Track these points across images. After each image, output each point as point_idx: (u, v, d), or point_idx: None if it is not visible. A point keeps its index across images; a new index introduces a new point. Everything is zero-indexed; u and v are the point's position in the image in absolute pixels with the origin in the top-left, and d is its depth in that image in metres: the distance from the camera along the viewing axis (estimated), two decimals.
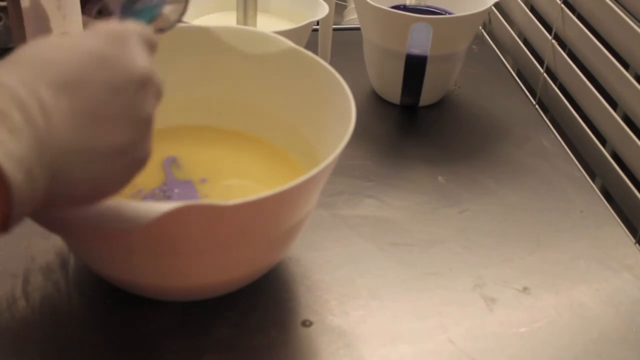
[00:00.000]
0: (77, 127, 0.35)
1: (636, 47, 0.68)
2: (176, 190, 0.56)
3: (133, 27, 0.40)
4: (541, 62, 0.86)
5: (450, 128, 0.77)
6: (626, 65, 0.71)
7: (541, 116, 0.80)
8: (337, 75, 0.54)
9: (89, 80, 0.36)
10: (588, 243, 0.62)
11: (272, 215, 0.45)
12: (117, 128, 0.36)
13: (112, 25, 0.39)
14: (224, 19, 0.76)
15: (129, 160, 0.37)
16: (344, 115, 0.51)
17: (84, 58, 0.36)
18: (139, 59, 0.38)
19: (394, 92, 0.78)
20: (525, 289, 0.57)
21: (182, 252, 0.45)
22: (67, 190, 0.35)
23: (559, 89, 0.83)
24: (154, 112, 0.39)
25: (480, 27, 0.98)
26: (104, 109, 0.36)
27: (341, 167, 0.54)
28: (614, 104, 0.72)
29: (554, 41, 0.83)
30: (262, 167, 0.59)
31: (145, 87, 0.38)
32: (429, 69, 0.75)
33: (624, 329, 0.54)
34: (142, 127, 0.38)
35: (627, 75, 0.69)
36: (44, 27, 0.61)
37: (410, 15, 0.72)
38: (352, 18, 1.20)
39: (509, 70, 0.89)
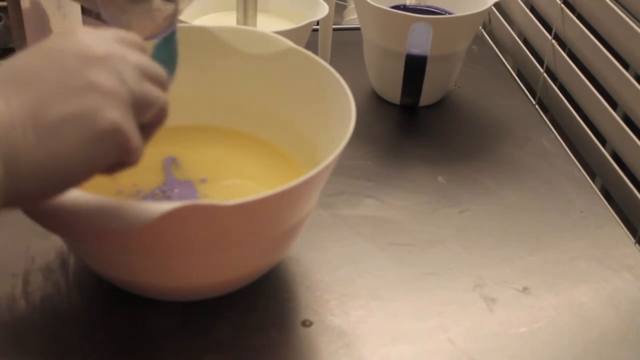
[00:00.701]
0: (22, 100, 0.35)
1: (636, 47, 0.68)
2: (176, 190, 0.56)
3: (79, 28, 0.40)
4: (541, 62, 0.86)
5: (450, 128, 0.77)
6: (626, 65, 0.71)
7: (541, 116, 0.81)
8: (337, 75, 0.54)
9: (30, 59, 0.37)
10: (588, 243, 0.62)
11: (272, 215, 0.45)
12: (67, 97, 0.36)
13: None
14: (224, 19, 0.76)
15: (87, 131, 0.36)
16: (344, 115, 0.51)
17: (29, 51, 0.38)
18: (85, 39, 0.38)
19: (394, 92, 0.78)
20: (525, 289, 0.57)
21: (182, 252, 0.45)
22: (29, 173, 0.35)
23: (559, 89, 0.83)
24: (122, 82, 0.38)
25: (480, 27, 0.98)
26: (47, 80, 0.36)
27: (341, 167, 0.54)
28: (614, 104, 0.72)
29: (554, 41, 0.83)
30: (262, 167, 0.59)
31: (97, 61, 0.37)
32: (429, 69, 0.75)
33: (624, 329, 0.54)
34: (97, 96, 0.37)
35: (627, 75, 0.69)
36: (44, 27, 0.61)
37: (410, 15, 0.72)
38: (352, 18, 1.20)
39: (509, 70, 0.89)
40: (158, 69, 0.41)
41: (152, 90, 0.40)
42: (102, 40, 0.39)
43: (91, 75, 0.37)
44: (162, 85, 0.42)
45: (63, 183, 0.37)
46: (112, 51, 0.38)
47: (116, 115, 0.37)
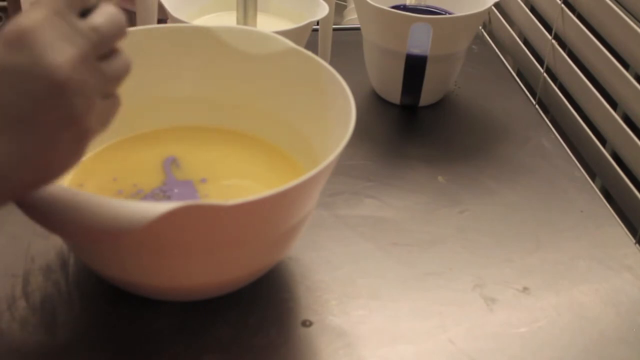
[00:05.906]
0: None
1: (636, 47, 0.68)
2: (176, 190, 0.56)
3: (37, 14, 0.36)
4: (541, 62, 0.86)
5: (450, 128, 0.77)
6: (626, 65, 0.71)
7: (541, 116, 0.81)
8: (337, 75, 0.54)
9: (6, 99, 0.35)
10: (588, 243, 0.62)
11: (272, 215, 0.45)
12: (48, 126, 0.36)
13: (11, 26, 0.35)
14: (224, 19, 0.76)
15: (70, 135, 0.37)
16: (344, 115, 0.51)
17: None
18: (52, 56, 0.35)
19: (394, 92, 0.78)
20: (525, 289, 0.57)
21: (182, 252, 0.45)
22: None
23: (559, 89, 0.83)
24: (94, 101, 0.38)
25: (480, 27, 0.98)
26: (29, 117, 0.35)
27: (341, 167, 0.54)
28: (614, 104, 0.72)
29: (554, 41, 0.83)
30: (262, 167, 0.59)
31: (69, 84, 0.35)
32: (429, 69, 0.75)
33: (624, 329, 0.54)
34: (75, 129, 0.37)
35: (627, 75, 0.69)
36: None
37: (410, 15, 0.72)
38: (352, 18, 1.20)
39: (509, 70, 0.89)
40: (109, 26, 0.38)
41: (116, 70, 0.39)
42: (60, 48, 0.35)
43: (65, 103, 0.36)
44: (121, 33, 0.39)
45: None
46: (68, 70, 0.35)
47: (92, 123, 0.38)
